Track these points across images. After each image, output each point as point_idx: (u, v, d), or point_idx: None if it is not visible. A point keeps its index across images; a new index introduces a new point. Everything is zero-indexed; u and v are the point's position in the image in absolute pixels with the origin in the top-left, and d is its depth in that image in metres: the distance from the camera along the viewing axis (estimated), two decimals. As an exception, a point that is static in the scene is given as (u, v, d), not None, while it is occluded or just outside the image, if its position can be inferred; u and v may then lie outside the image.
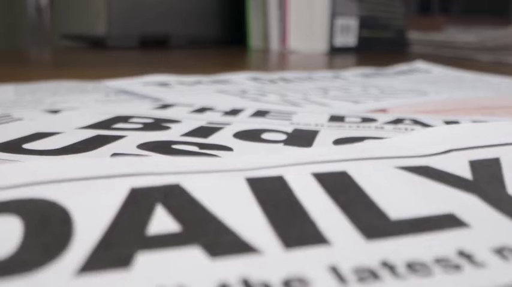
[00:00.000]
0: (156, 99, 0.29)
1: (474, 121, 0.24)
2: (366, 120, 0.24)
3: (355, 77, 0.45)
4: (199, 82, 0.37)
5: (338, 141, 0.19)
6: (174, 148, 0.17)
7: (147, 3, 0.85)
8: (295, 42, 0.83)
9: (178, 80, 0.37)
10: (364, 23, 0.86)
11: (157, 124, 0.21)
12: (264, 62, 0.66)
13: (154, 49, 0.81)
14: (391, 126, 0.22)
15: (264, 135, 0.19)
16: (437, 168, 0.11)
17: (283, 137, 0.19)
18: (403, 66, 0.52)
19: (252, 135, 0.19)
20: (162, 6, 0.86)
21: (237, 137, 0.19)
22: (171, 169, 0.10)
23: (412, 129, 0.22)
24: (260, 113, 0.25)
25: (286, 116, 0.24)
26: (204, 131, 0.20)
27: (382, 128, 0.22)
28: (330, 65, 0.62)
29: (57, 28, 0.96)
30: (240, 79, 0.39)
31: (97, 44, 0.85)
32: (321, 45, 0.82)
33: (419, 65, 0.54)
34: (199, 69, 0.51)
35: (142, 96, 0.31)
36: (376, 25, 0.89)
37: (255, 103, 0.28)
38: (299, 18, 0.83)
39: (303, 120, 0.23)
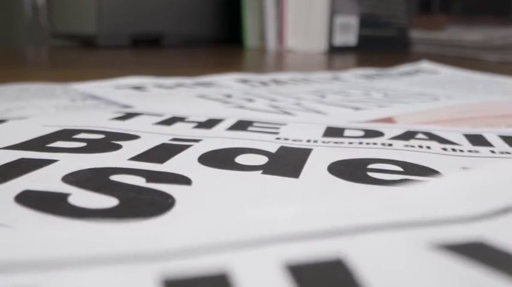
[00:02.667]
0: (124, 106, 0.25)
1: (501, 135, 0.19)
2: (369, 133, 0.19)
3: (355, 78, 0.40)
4: (180, 85, 0.32)
5: (334, 166, 0.14)
6: (111, 181, 0.12)
7: (140, 0, 0.80)
8: (292, 41, 0.79)
9: (157, 82, 0.32)
10: (365, 21, 0.81)
11: (107, 142, 0.16)
12: (259, 62, 0.61)
13: (147, 48, 0.76)
14: (401, 143, 0.17)
15: (239, 159, 0.15)
16: (497, 246, 0.06)
17: (264, 160, 0.15)
18: (408, 67, 0.48)
19: (223, 159, 0.15)
20: (155, 3, 0.81)
21: (203, 161, 0.14)
22: (35, 258, 0.06)
23: (428, 147, 0.17)
24: (241, 125, 0.20)
25: (272, 127, 0.20)
26: (163, 151, 0.15)
27: (390, 145, 0.17)
28: (329, 65, 0.57)
29: (53, 27, 0.91)
30: (227, 81, 0.34)
31: (88, 43, 0.80)
32: (319, 44, 0.77)
33: (425, 65, 0.49)
34: (188, 70, 0.46)
35: (110, 102, 0.26)
36: (377, 23, 0.84)
37: (238, 111, 0.23)
38: (297, 16, 0.78)
39: (293, 133, 0.19)
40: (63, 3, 0.85)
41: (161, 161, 0.14)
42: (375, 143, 0.17)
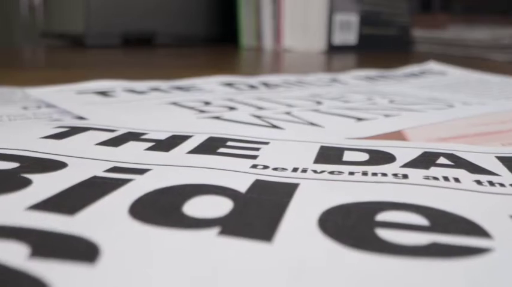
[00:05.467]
0: (78, 117, 0.20)
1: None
2: (376, 157, 0.14)
3: (356, 80, 0.35)
4: (156, 88, 0.27)
5: (328, 218, 0.10)
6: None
7: (131, -2, 0.75)
8: (290, 40, 0.74)
9: (128, 86, 0.28)
10: (366, 20, 0.77)
11: (15, 175, 0.12)
12: (253, 62, 0.56)
13: (138, 48, 0.71)
14: (419, 173, 0.13)
15: (191, 206, 0.10)
16: None
17: (227, 207, 0.10)
18: (413, 68, 0.43)
19: (166, 207, 0.10)
20: (146, 1, 0.76)
21: (136, 210, 0.10)
22: None
23: (457, 180, 0.12)
24: (211, 144, 0.15)
25: (250, 148, 0.15)
26: (87, 191, 0.11)
27: (405, 176, 0.12)
28: (328, 66, 0.52)
29: (46, 26, 0.87)
30: (209, 84, 0.29)
31: (78, 42, 0.75)
32: (318, 43, 0.72)
33: (432, 65, 0.44)
34: (174, 71, 0.41)
35: (65, 111, 0.21)
36: (379, 22, 0.79)
37: (213, 123, 0.19)
38: (294, 13, 0.73)
39: (276, 158, 0.14)
40: (54, 2, 0.81)
41: (74, 210, 0.09)
42: (385, 174, 0.12)
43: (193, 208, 0.10)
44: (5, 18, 1.23)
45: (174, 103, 0.23)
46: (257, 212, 0.10)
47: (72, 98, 0.24)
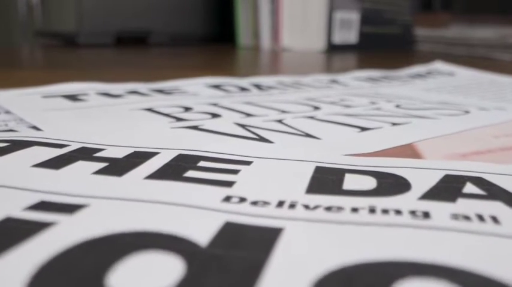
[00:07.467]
0: (33, 127, 0.17)
1: None
2: (385, 184, 0.11)
3: (357, 81, 0.32)
4: (134, 91, 0.24)
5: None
6: None
7: (125, -4, 0.72)
8: (288, 39, 0.70)
9: (103, 89, 0.24)
10: (367, 18, 0.73)
11: None
12: (249, 62, 0.53)
13: (132, 47, 0.68)
14: (444, 211, 0.10)
15: (118, 275, 0.07)
16: None
17: (173, 277, 0.07)
18: (418, 68, 0.40)
19: (82, 278, 0.07)
20: (141, -1, 0.73)
21: (41, 280, 0.06)
22: None
23: (495, 220, 0.09)
24: (178, 165, 0.12)
25: (227, 171, 0.12)
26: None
27: (426, 216, 0.09)
28: (327, 66, 0.49)
29: (42, 25, 0.84)
30: (195, 87, 0.26)
31: (70, 41, 0.72)
32: (317, 42, 0.69)
33: (438, 65, 0.41)
34: (162, 71, 0.38)
35: (22, 119, 0.18)
36: (380, 20, 0.76)
37: (187, 135, 0.15)
38: (293, 11, 0.70)
39: (257, 187, 0.11)
40: (50, 1, 0.78)
41: None
42: (399, 212, 0.09)
43: (124, 277, 0.07)
44: (3, 17, 1.20)
45: (149, 109, 0.20)
46: (217, 285, 0.06)
47: (35, 102, 0.20)
